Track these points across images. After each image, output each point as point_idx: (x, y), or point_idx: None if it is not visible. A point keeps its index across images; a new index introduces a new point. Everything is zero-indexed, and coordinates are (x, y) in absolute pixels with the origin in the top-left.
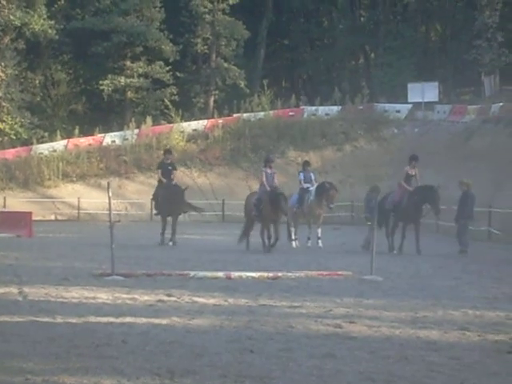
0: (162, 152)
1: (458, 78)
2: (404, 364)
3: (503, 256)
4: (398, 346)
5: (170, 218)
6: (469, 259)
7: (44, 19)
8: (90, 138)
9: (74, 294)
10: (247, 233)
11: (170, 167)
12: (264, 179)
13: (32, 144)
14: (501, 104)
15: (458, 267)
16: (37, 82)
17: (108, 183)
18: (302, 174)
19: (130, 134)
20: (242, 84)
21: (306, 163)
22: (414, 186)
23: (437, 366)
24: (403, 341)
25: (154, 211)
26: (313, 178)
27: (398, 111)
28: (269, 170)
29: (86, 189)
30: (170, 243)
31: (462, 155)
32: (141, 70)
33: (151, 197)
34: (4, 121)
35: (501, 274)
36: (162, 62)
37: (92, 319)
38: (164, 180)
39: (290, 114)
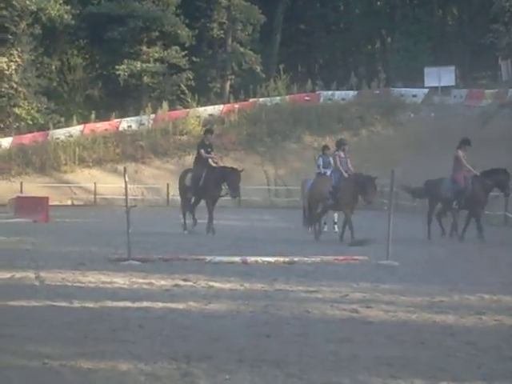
0: (178, 137)
1: (475, 62)
2: (420, 349)
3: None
4: (415, 331)
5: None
6: (485, 244)
7: (60, 4)
8: (106, 123)
9: (91, 278)
10: (313, 221)
11: (209, 149)
12: (338, 164)
13: (48, 129)
14: None
15: (475, 252)
16: (53, 67)
17: (124, 168)
18: (321, 158)
19: (147, 118)
20: (258, 69)
21: (326, 147)
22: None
23: (453, 350)
24: (420, 325)
25: (188, 194)
26: (332, 162)
27: (415, 96)
28: (342, 154)
29: (103, 174)
30: (191, 229)
31: (479, 140)
32: (157, 55)
33: (188, 178)
34: (20, 106)
35: None
36: (177, 47)
37: (109, 304)
38: (212, 162)
39: (306, 98)
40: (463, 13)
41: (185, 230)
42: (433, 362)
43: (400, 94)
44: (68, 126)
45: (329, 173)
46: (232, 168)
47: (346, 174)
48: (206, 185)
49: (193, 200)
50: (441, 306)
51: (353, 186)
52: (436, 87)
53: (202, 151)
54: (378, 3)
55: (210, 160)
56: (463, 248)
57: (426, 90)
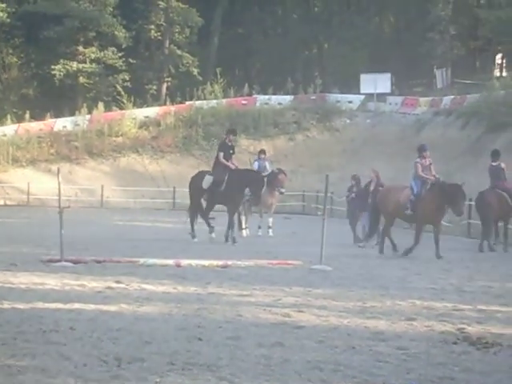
0: (113, 139)
1: (411, 69)
2: (351, 353)
3: (451, 247)
4: (346, 336)
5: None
6: (419, 251)
7: None
8: (40, 122)
9: (22, 279)
10: (387, 233)
11: (231, 150)
12: (420, 172)
13: None
14: (452, 96)
15: (407, 258)
16: None
17: (58, 169)
18: (256, 162)
19: (82, 119)
20: (195, 71)
21: (262, 152)
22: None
23: (384, 356)
24: (351, 330)
25: (204, 197)
26: (268, 166)
27: (351, 102)
28: (425, 161)
29: (36, 174)
30: (213, 235)
31: (413, 146)
32: (93, 56)
33: (207, 181)
34: None
35: (449, 265)
36: (114, 48)
37: (40, 305)
38: (231, 165)
39: (243, 102)
40: (400, 21)
41: (194, 238)
42: (363, 366)
43: (336, 100)
44: (2, 126)
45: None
46: (256, 172)
47: (432, 178)
48: (229, 189)
49: (205, 205)
50: (372, 311)
51: (438, 195)
52: (372, 94)
53: (221, 154)
54: (316, 9)
55: (229, 164)
56: (396, 254)
57: (362, 97)
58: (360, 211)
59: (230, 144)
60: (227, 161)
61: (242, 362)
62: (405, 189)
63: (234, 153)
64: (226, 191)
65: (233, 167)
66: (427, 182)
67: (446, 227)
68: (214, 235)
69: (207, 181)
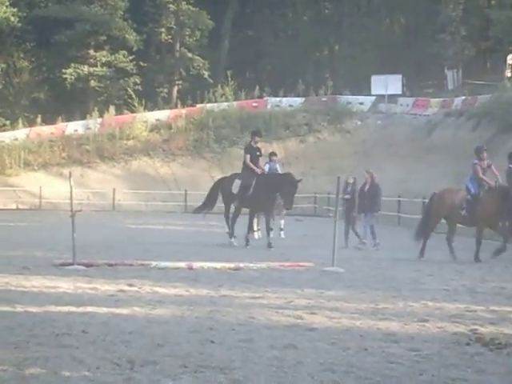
0: (124, 142)
1: (422, 71)
2: (364, 355)
3: (464, 248)
4: (358, 338)
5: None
6: (431, 252)
7: (7, 6)
8: (52, 126)
9: (35, 283)
10: (426, 236)
11: (257, 152)
12: (481, 175)
13: None
14: (463, 97)
15: (419, 260)
16: None
17: (70, 173)
18: (267, 165)
19: (93, 123)
20: (206, 74)
21: (272, 154)
22: None
23: (396, 357)
24: (363, 332)
25: (234, 202)
26: (279, 169)
27: (362, 103)
28: (482, 163)
29: (48, 178)
30: (234, 243)
31: (425, 148)
32: (104, 59)
33: (236, 185)
34: None
35: (461, 267)
36: (125, 51)
37: (52, 309)
38: (258, 170)
39: (254, 105)
40: (410, 22)
41: (232, 238)
42: (376, 368)
43: (347, 102)
44: (13, 130)
45: None
46: (288, 176)
47: (492, 183)
48: (257, 194)
49: (232, 209)
50: (385, 312)
51: (497, 197)
52: (383, 95)
53: (248, 157)
54: (327, 11)
55: (255, 168)
56: (408, 255)
57: (373, 98)
58: (359, 212)
59: (255, 146)
60: (255, 163)
61: (255, 365)
62: (460, 191)
63: (261, 155)
64: (254, 195)
65: (259, 172)
66: (484, 184)
67: (459, 228)
68: (235, 243)
69: (236, 185)
